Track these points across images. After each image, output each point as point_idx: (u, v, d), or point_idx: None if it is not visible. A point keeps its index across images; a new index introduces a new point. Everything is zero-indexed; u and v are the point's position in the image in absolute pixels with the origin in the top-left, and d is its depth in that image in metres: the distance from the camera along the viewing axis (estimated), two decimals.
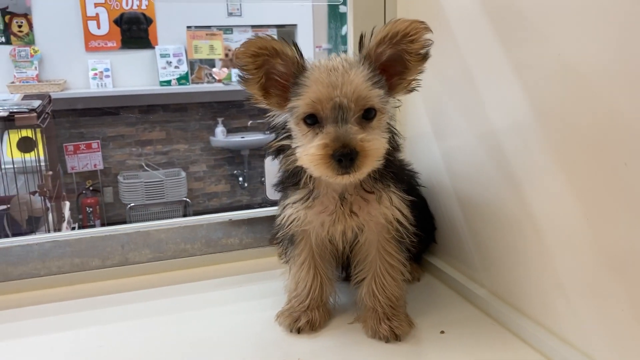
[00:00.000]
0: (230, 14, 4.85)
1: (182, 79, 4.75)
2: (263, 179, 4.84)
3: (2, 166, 3.37)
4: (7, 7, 4.33)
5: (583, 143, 0.75)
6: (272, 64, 0.81)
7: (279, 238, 0.97)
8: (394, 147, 0.88)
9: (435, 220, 1.14)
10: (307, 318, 0.93)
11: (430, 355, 0.87)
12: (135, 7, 4.57)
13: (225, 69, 4.85)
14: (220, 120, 4.89)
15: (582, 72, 0.74)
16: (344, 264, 1.01)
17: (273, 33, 4.94)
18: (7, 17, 4.34)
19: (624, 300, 0.72)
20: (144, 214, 4.63)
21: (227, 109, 4.93)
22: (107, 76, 4.56)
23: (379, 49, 0.81)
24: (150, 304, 1.05)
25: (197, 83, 4.86)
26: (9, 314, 1.02)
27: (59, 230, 3.06)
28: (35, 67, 4.38)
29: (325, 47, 4.61)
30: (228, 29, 4.88)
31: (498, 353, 0.87)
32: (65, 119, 4.49)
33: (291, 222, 0.91)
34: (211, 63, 4.89)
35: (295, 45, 0.81)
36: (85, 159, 4.42)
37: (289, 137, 0.86)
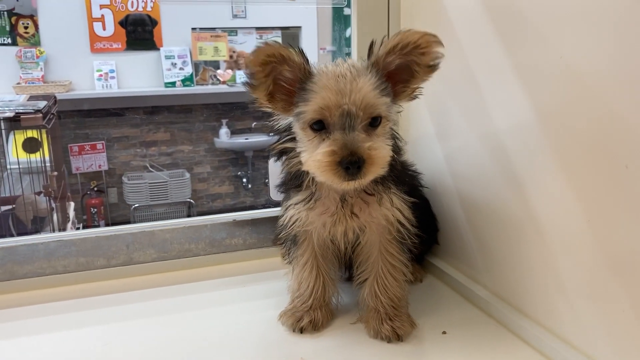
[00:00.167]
0: (234, 16, 4.87)
1: (187, 81, 4.77)
2: (267, 180, 4.85)
3: (8, 166, 3.39)
4: (13, 9, 4.36)
5: (585, 145, 0.75)
6: (280, 70, 0.81)
7: (282, 238, 0.98)
8: (396, 151, 0.88)
9: (438, 221, 1.14)
10: (309, 318, 0.93)
11: (432, 356, 0.87)
12: (140, 9, 4.59)
13: (229, 71, 4.86)
14: (224, 121, 4.90)
15: (583, 74, 0.74)
16: (347, 265, 1.01)
17: (277, 35, 4.96)
18: (13, 19, 4.37)
19: (626, 301, 0.72)
20: (148, 215, 4.64)
21: (231, 110, 4.94)
22: (112, 77, 4.58)
23: (389, 57, 0.82)
24: (155, 303, 1.06)
25: (202, 84, 4.87)
26: (14, 312, 1.03)
27: (64, 230, 3.07)
28: (41, 68, 4.40)
29: (329, 49, 4.61)
30: (233, 31, 4.90)
31: (500, 354, 0.87)
32: (71, 119, 4.51)
33: (293, 223, 0.91)
34: (216, 65, 4.91)
35: (302, 51, 0.82)
36: (90, 160, 4.43)
37: (292, 139, 0.87)
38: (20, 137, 3.26)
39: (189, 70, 4.76)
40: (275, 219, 1.02)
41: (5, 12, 4.35)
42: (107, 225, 4.42)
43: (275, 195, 1.10)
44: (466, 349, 0.88)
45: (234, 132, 4.97)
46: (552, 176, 0.81)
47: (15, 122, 2.90)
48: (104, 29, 4.53)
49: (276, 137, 0.91)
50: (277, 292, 1.04)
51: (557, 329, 0.85)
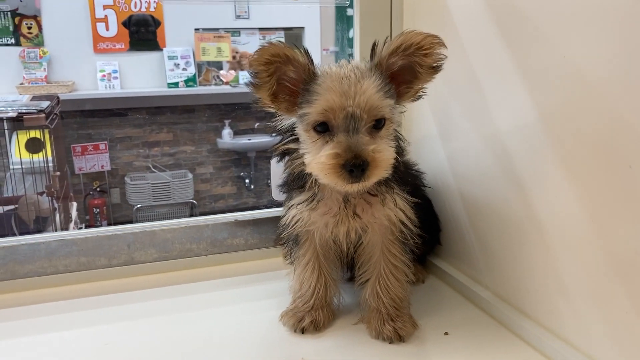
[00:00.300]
0: (238, 17, 4.87)
1: (190, 81, 4.77)
2: (269, 181, 4.85)
3: (11, 167, 3.40)
4: (17, 9, 4.37)
5: (587, 145, 0.75)
6: (284, 70, 0.81)
7: (284, 238, 0.98)
8: (398, 152, 0.88)
9: (440, 221, 1.14)
10: (311, 318, 0.93)
11: (434, 357, 0.87)
12: (143, 9, 4.60)
13: (232, 71, 4.86)
14: (227, 122, 4.90)
15: (586, 74, 0.74)
16: (349, 265, 1.01)
17: (280, 36, 4.96)
18: (16, 19, 4.38)
19: (628, 302, 0.72)
20: (150, 215, 4.64)
21: (234, 111, 4.94)
22: (115, 78, 4.59)
23: (391, 59, 0.82)
24: (156, 303, 1.06)
25: (205, 85, 4.87)
26: (15, 311, 1.03)
27: (66, 230, 3.07)
28: (44, 69, 4.41)
29: (333, 50, 4.62)
30: (236, 32, 4.90)
31: (501, 355, 0.87)
32: (74, 120, 4.51)
33: (295, 223, 0.91)
34: (219, 65, 4.91)
35: (307, 51, 0.82)
36: (93, 160, 4.44)
37: (295, 140, 0.87)
38: (23, 137, 3.26)
39: (191, 70, 4.76)
40: (276, 219, 1.02)
41: (9, 13, 4.36)
42: (109, 225, 4.43)
43: (277, 195, 1.10)
44: (468, 349, 0.88)
45: (236, 133, 4.97)
46: (555, 177, 0.81)
47: (18, 122, 2.90)
48: (107, 29, 4.54)
49: (279, 138, 0.91)
50: (278, 292, 1.04)
51: (558, 329, 0.84)
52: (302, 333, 0.92)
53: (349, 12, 1.26)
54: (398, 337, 0.89)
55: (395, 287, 0.92)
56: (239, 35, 4.91)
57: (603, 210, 0.74)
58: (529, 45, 0.84)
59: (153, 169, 4.80)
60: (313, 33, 4.90)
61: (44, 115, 2.87)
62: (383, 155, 0.79)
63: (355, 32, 1.24)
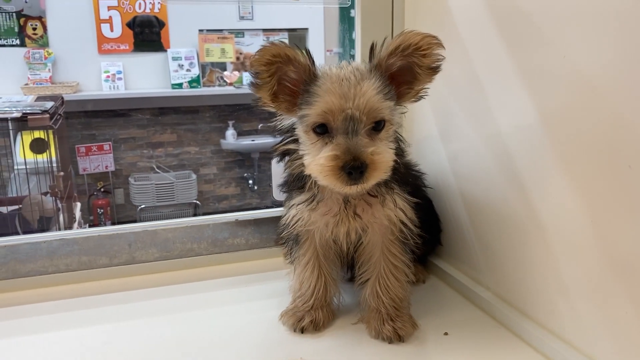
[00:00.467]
0: (241, 18, 4.88)
1: (194, 82, 4.78)
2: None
3: (15, 167, 3.42)
4: (22, 10, 4.39)
5: (588, 146, 0.75)
6: (285, 70, 0.81)
7: (284, 238, 0.98)
8: (399, 154, 0.88)
9: (441, 222, 1.14)
10: (310, 318, 0.93)
11: (434, 357, 0.87)
12: (147, 11, 4.61)
13: (236, 72, 4.87)
14: (230, 123, 4.91)
15: (587, 75, 0.74)
16: (349, 265, 1.01)
17: (284, 37, 4.96)
18: (22, 20, 4.40)
19: (628, 303, 0.72)
20: (154, 216, 4.65)
21: (238, 111, 4.95)
22: (120, 78, 4.61)
23: (390, 59, 0.81)
24: (156, 302, 1.06)
25: (209, 86, 4.89)
26: (16, 310, 1.03)
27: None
28: (49, 69, 4.43)
29: (336, 51, 4.61)
30: (239, 33, 4.91)
31: (501, 355, 0.87)
32: (78, 120, 4.53)
33: (295, 223, 0.91)
34: (222, 66, 4.92)
35: (308, 52, 0.82)
36: (97, 161, 4.46)
37: (295, 140, 0.87)
38: (27, 137, 3.28)
39: (195, 71, 4.77)
40: (277, 219, 1.02)
41: (14, 14, 4.39)
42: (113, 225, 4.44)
43: (278, 195, 1.10)
44: (468, 349, 0.88)
45: (240, 134, 4.98)
46: (555, 177, 0.81)
47: (22, 122, 2.92)
48: (112, 30, 4.56)
49: (280, 138, 0.91)
50: (279, 292, 1.04)
51: (558, 330, 0.84)
52: (302, 332, 0.92)
53: (353, 13, 1.26)
54: (397, 337, 0.89)
55: (395, 287, 0.92)
56: (243, 37, 4.92)
57: (603, 211, 0.74)
58: (530, 46, 0.84)
59: (157, 170, 4.81)
60: (317, 34, 4.90)
61: (48, 115, 2.88)
62: (382, 157, 0.79)
63: (356, 33, 1.24)
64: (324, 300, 0.95)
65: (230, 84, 4.87)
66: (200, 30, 4.77)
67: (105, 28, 4.54)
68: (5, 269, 1.09)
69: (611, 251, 0.73)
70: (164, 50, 4.70)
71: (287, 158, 0.91)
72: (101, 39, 4.55)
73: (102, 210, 4.56)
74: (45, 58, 4.42)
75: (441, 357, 0.87)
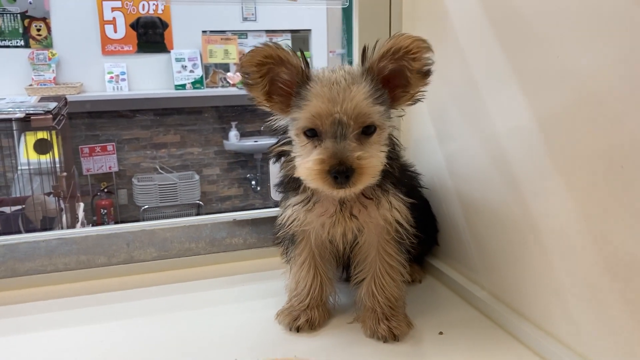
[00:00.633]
0: (245, 19, 4.88)
1: (197, 83, 4.79)
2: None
3: (19, 167, 3.43)
4: (26, 11, 4.40)
5: (583, 147, 0.75)
6: (277, 71, 0.82)
7: (280, 238, 0.98)
8: (393, 157, 0.88)
9: (437, 222, 1.14)
10: (306, 317, 0.93)
11: (428, 356, 0.87)
12: (151, 12, 4.62)
13: (239, 74, 4.87)
14: (233, 124, 4.91)
15: (581, 77, 0.74)
16: (345, 264, 1.01)
17: (287, 38, 4.96)
18: (26, 21, 4.42)
19: (624, 304, 0.72)
20: (157, 216, 4.66)
21: (241, 113, 4.95)
22: (123, 79, 4.61)
23: (381, 63, 0.82)
24: (154, 301, 1.07)
25: (212, 87, 4.89)
26: (15, 309, 1.04)
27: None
28: (53, 70, 4.44)
29: (339, 52, 4.62)
30: (243, 34, 4.91)
31: (496, 355, 0.87)
32: (81, 121, 4.54)
33: (291, 222, 0.92)
34: (226, 67, 4.92)
35: (301, 54, 0.82)
36: (101, 161, 4.46)
37: (290, 142, 0.87)
38: (31, 138, 3.29)
39: (199, 72, 4.78)
40: (275, 218, 1.03)
41: (19, 15, 4.40)
42: None
43: (275, 195, 1.10)
44: (463, 349, 0.88)
45: (243, 135, 4.98)
46: (551, 178, 0.81)
47: (26, 123, 2.93)
48: (115, 31, 4.57)
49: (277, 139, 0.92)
50: (276, 291, 1.04)
51: (553, 330, 0.84)
52: (298, 331, 0.93)
53: None
54: (392, 337, 0.89)
55: (391, 286, 0.93)
56: (246, 38, 4.92)
57: (598, 211, 0.74)
58: (527, 48, 0.84)
59: (160, 170, 4.81)
60: (320, 35, 4.89)
61: (51, 116, 2.89)
62: (369, 162, 0.79)
63: (354, 36, 1.25)
64: (319, 299, 0.96)
65: (234, 85, 4.87)
66: (204, 32, 4.78)
67: (109, 29, 4.55)
68: (4, 268, 1.10)
69: (606, 251, 0.73)
70: (168, 51, 4.71)
71: (282, 159, 0.91)
72: (105, 40, 4.56)
73: (105, 211, 4.57)
74: (49, 59, 4.43)
75: (436, 357, 0.87)
